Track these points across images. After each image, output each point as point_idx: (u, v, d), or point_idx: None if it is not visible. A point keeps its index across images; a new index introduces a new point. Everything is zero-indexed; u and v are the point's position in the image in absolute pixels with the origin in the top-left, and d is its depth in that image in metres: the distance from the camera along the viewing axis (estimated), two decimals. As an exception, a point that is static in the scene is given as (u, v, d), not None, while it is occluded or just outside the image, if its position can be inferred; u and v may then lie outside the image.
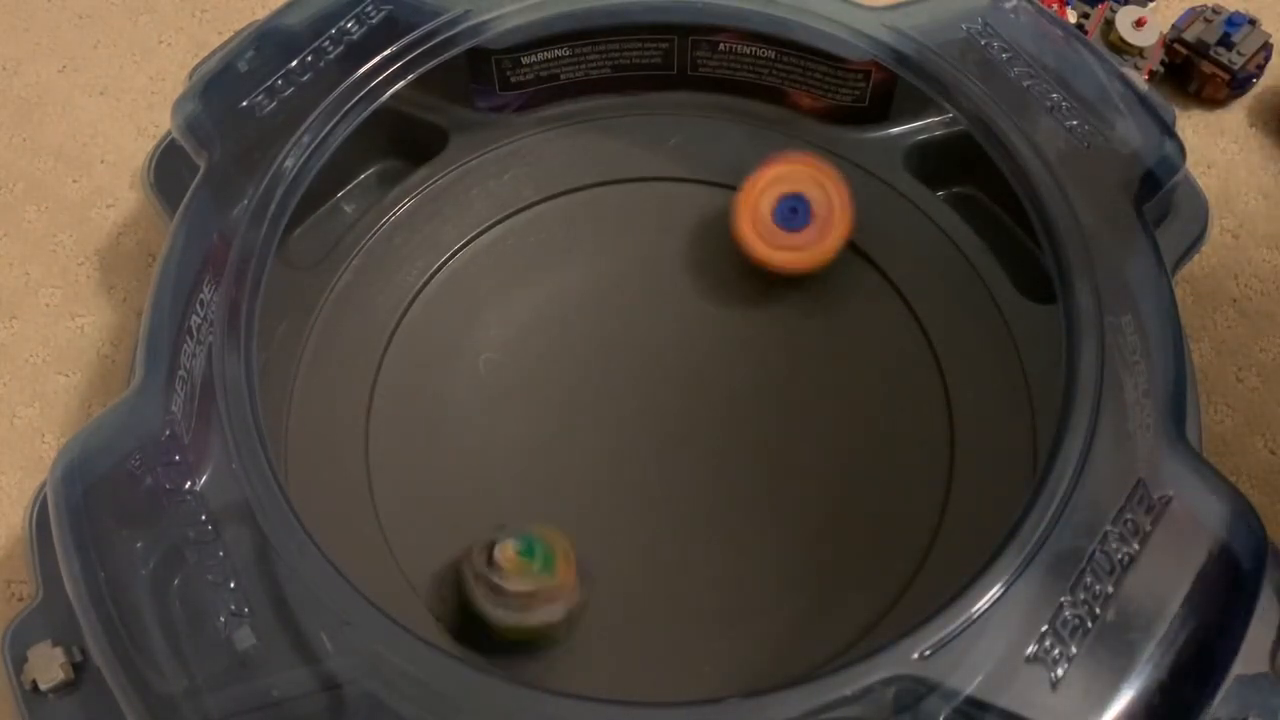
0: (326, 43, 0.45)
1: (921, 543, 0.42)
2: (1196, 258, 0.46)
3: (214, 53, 0.47)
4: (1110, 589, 0.33)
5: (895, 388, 0.45)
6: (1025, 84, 0.44)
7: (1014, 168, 0.42)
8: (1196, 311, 0.50)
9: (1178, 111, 0.47)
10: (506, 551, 0.38)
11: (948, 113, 0.45)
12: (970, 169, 0.48)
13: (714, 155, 0.50)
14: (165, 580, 0.34)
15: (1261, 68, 0.55)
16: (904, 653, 0.32)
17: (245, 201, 0.41)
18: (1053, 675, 0.32)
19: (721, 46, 0.49)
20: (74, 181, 0.55)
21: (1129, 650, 0.33)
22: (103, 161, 0.55)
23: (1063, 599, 0.33)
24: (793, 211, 0.43)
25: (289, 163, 0.42)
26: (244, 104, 0.43)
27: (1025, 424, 0.43)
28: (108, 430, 0.37)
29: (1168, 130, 0.43)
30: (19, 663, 0.36)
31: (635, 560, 0.43)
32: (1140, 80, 0.46)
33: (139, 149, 0.55)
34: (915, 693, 0.32)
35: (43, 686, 0.35)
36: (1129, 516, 0.35)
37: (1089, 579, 0.33)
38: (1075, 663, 0.32)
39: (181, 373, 0.38)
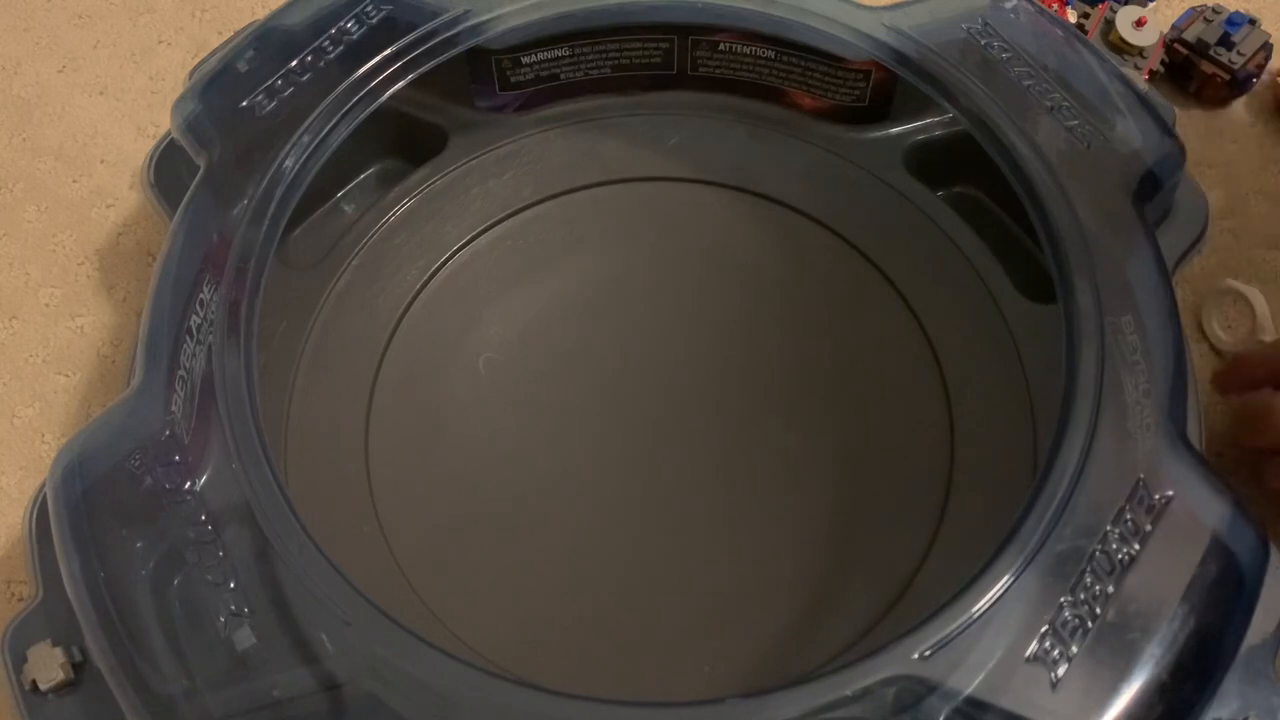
0: (326, 43, 0.45)
1: (921, 543, 0.42)
2: (1196, 258, 0.46)
3: (214, 53, 0.47)
4: (1110, 589, 0.33)
5: (895, 388, 0.45)
6: (1025, 84, 0.44)
7: (1014, 168, 0.42)
8: (1197, 311, 0.50)
9: (1178, 111, 0.47)
10: None
11: (948, 113, 0.45)
12: (970, 169, 0.48)
13: (714, 155, 0.50)
14: (165, 580, 0.34)
15: (1261, 67, 0.55)
16: (904, 653, 0.32)
17: (245, 201, 0.41)
18: (1053, 675, 0.32)
19: (721, 46, 0.49)
20: (74, 181, 0.55)
21: (1129, 650, 0.33)
22: (103, 161, 0.55)
23: (1063, 599, 0.33)
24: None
25: (289, 163, 0.42)
26: (244, 104, 0.43)
27: (1025, 424, 0.43)
28: (108, 430, 0.37)
29: (1168, 130, 0.43)
30: (19, 663, 0.36)
31: (635, 559, 0.43)
32: (1140, 80, 0.46)
33: (139, 149, 0.55)
34: (915, 693, 0.32)
35: (42, 686, 0.35)
36: (1129, 516, 0.35)
37: (1089, 579, 0.33)
38: (1075, 663, 0.32)
39: (181, 373, 0.38)
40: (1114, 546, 0.34)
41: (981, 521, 0.41)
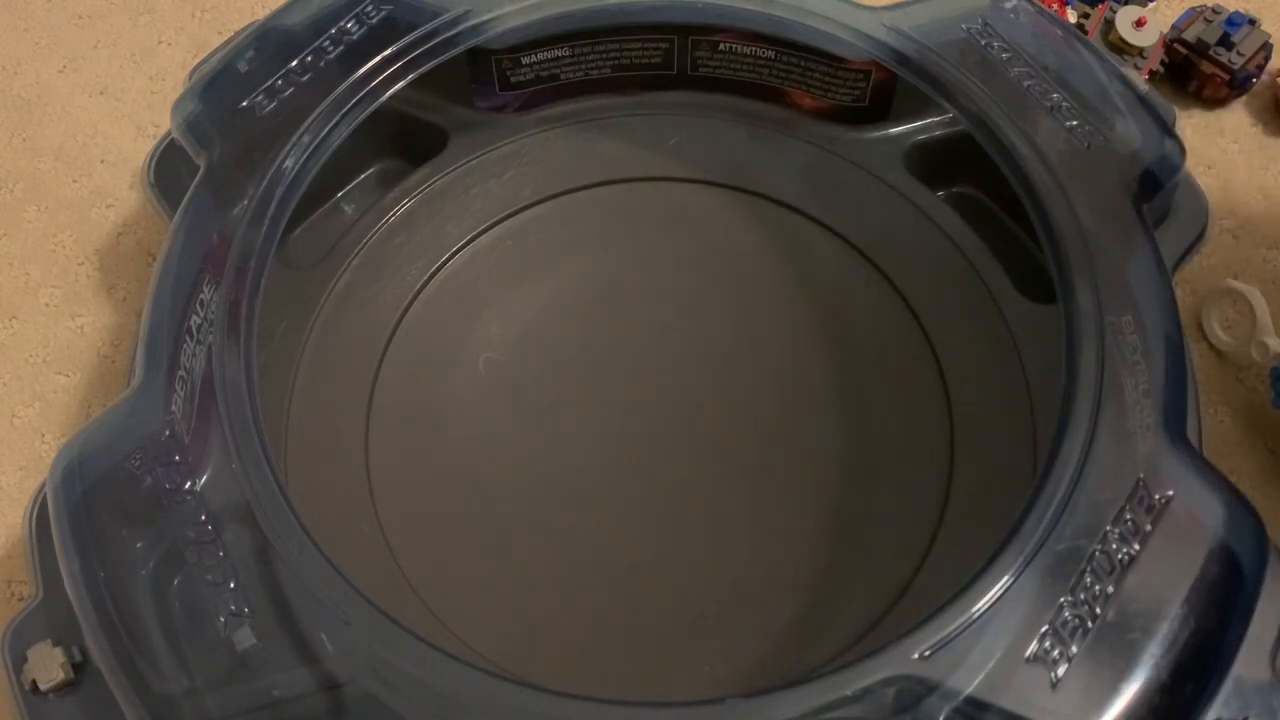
0: (326, 43, 0.45)
1: (921, 543, 0.42)
2: (1196, 258, 0.46)
3: (214, 53, 0.47)
4: (1110, 589, 0.33)
5: (895, 388, 0.45)
6: (1025, 84, 0.44)
7: (1014, 168, 0.42)
8: (1196, 312, 0.50)
9: (1178, 111, 0.47)
10: None
11: (948, 113, 0.45)
12: (970, 169, 0.48)
13: (714, 155, 0.50)
14: (165, 580, 0.34)
15: (1261, 68, 0.55)
16: (904, 653, 0.32)
17: (245, 201, 0.41)
18: (1053, 675, 0.32)
19: (721, 46, 0.49)
20: (74, 181, 0.55)
21: (1129, 650, 0.33)
22: (103, 161, 0.55)
23: (1063, 599, 0.33)
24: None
25: (289, 163, 0.42)
26: (244, 104, 0.43)
27: (1025, 424, 0.43)
28: (108, 430, 0.37)
29: (1168, 130, 0.43)
30: (19, 663, 0.36)
31: (635, 559, 0.43)
32: (1140, 80, 0.46)
33: (139, 149, 0.55)
34: (915, 693, 0.32)
35: (43, 686, 0.35)
36: (1129, 516, 0.35)
37: (1089, 579, 0.33)
38: (1075, 663, 0.32)
39: (181, 373, 0.38)
40: (1114, 546, 0.34)
41: (981, 521, 0.41)
